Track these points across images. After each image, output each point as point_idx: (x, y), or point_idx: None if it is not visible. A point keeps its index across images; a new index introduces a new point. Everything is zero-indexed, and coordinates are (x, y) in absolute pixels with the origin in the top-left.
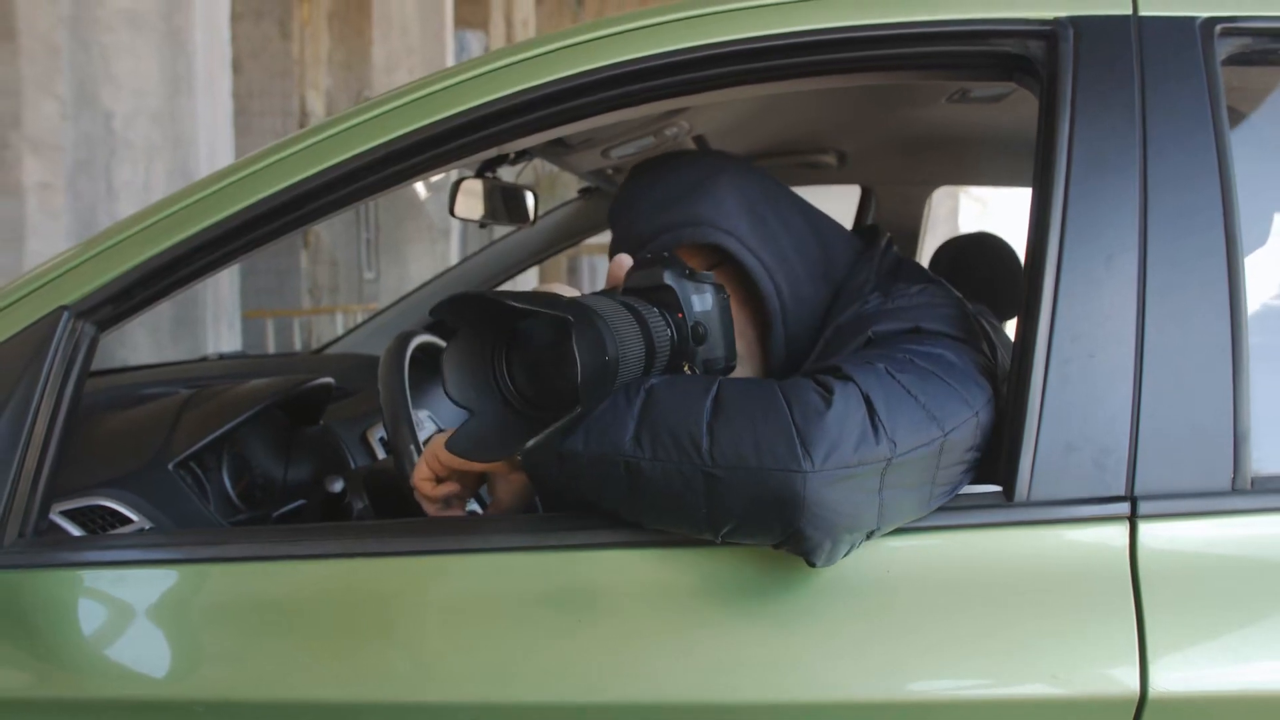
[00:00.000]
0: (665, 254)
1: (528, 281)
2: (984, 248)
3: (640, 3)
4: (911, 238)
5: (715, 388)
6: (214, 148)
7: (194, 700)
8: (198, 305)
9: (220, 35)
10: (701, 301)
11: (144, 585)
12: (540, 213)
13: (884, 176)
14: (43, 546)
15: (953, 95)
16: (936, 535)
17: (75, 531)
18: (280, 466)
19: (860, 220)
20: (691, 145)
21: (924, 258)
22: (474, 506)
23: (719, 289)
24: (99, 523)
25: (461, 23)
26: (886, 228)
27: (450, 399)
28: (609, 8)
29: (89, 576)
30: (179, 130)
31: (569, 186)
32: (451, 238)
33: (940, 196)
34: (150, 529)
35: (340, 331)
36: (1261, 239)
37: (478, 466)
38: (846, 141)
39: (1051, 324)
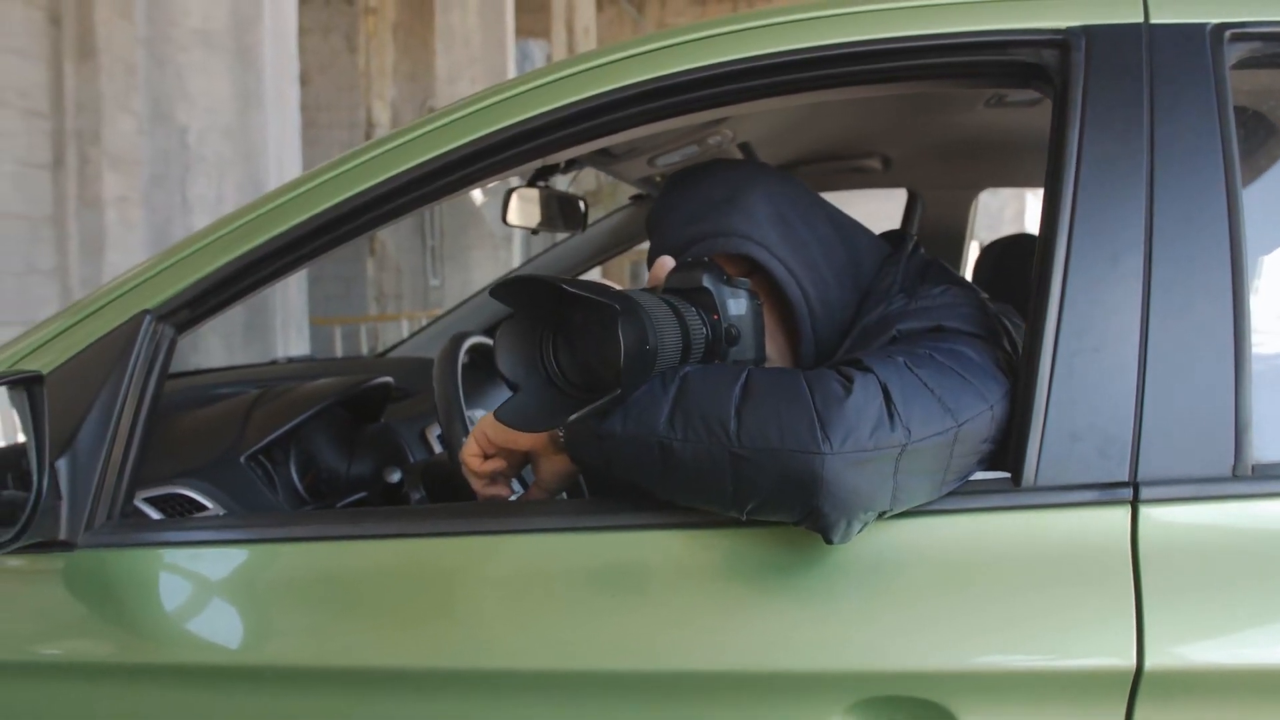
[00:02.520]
0: (705, 259)
1: None
2: (1024, 249)
3: (699, 11)
4: (958, 240)
5: (744, 376)
6: (282, 160)
7: (264, 666)
8: (268, 312)
9: (288, 51)
10: (736, 305)
11: (218, 562)
12: (595, 219)
13: (929, 180)
14: (128, 528)
15: (989, 100)
16: (949, 518)
17: (156, 516)
18: (344, 461)
19: (907, 223)
20: (735, 152)
21: (972, 259)
22: (516, 487)
23: (753, 295)
24: (177, 509)
25: (524, 32)
26: (933, 230)
27: (500, 374)
28: (669, 14)
29: (168, 555)
30: (249, 144)
31: (629, 194)
32: (513, 244)
33: (1008, 198)
34: (224, 514)
35: (406, 337)
36: None
37: (523, 442)
38: (890, 147)
39: (1059, 319)
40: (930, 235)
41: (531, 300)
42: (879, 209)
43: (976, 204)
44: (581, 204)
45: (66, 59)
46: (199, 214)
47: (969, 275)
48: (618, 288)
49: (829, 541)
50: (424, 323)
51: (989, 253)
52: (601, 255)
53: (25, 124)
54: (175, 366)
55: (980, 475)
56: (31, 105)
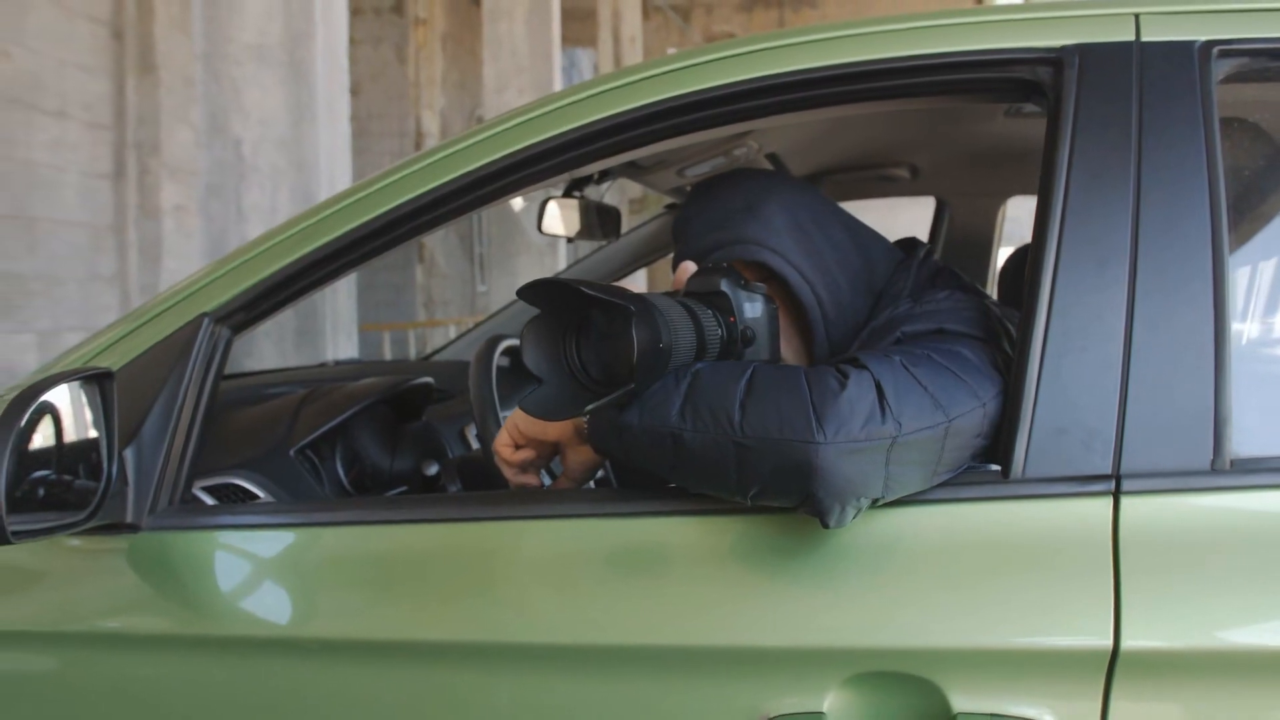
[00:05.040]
0: (724, 265)
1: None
2: None
3: (745, 19)
4: (985, 246)
5: (750, 371)
6: (333, 170)
7: (310, 639)
8: (318, 318)
9: (340, 64)
10: (752, 309)
11: (267, 544)
12: (631, 227)
13: (956, 188)
14: (187, 512)
15: (1008, 110)
16: (941, 507)
17: (212, 504)
18: (387, 457)
19: (935, 231)
20: (762, 163)
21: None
22: (545, 480)
23: (769, 300)
24: (231, 498)
25: (570, 41)
26: (961, 237)
27: (526, 367)
28: (715, 22)
29: (223, 536)
30: (302, 155)
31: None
32: (559, 251)
33: None
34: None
35: (450, 341)
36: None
37: (551, 433)
38: (916, 156)
39: (1048, 320)
40: (959, 242)
41: (555, 301)
42: (918, 217)
43: (1004, 210)
44: (614, 213)
45: (128, 73)
46: (253, 223)
47: (995, 280)
48: (637, 291)
49: (825, 525)
50: (470, 327)
51: (1014, 259)
52: (641, 260)
53: (89, 136)
54: (230, 369)
55: (972, 467)
56: (94, 118)
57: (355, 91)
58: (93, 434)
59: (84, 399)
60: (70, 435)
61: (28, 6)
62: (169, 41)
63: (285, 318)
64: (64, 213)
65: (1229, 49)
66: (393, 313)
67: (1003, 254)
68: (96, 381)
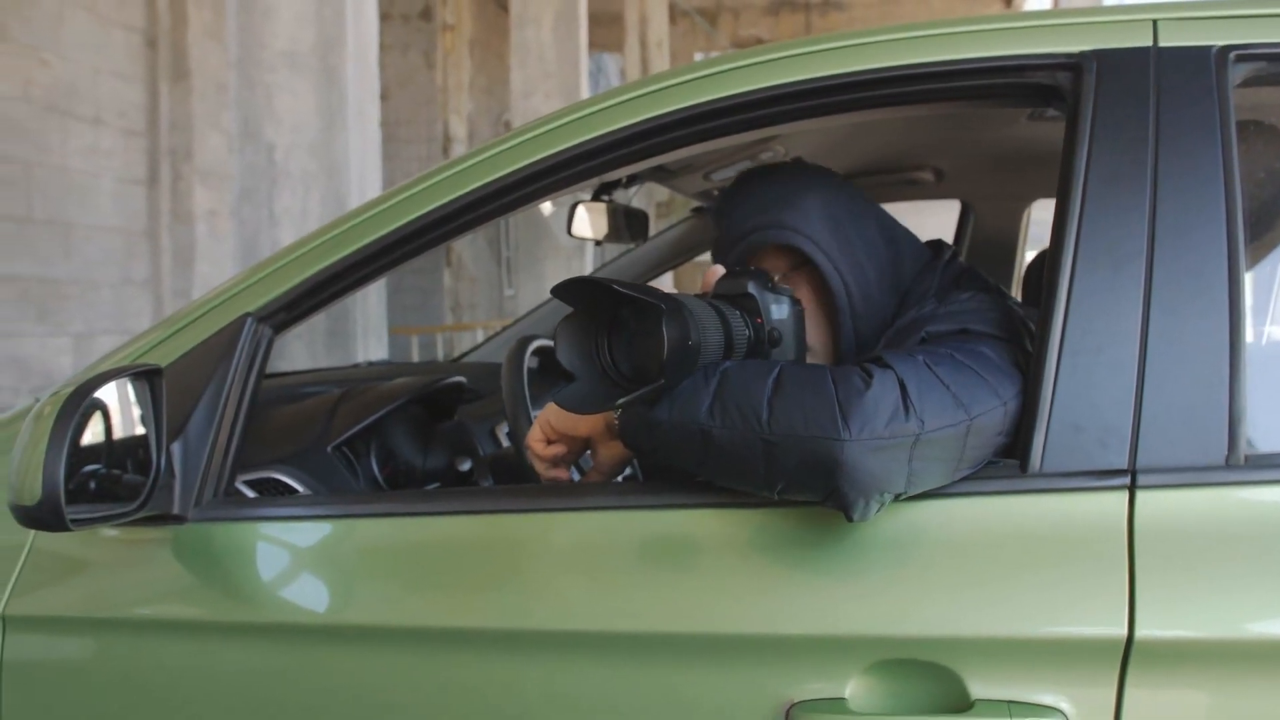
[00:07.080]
0: (751, 268)
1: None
2: None
3: (772, 23)
4: (1010, 248)
5: (777, 370)
6: (363, 175)
7: (347, 626)
8: (349, 320)
9: (370, 70)
10: (779, 310)
11: (306, 535)
12: (658, 230)
13: (980, 191)
14: (231, 504)
15: (1031, 114)
16: (962, 500)
17: (253, 496)
18: (420, 455)
19: (960, 234)
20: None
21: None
22: (574, 476)
23: (795, 302)
24: (271, 492)
25: (597, 45)
26: (986, 240)
27: (559, 363)
28: (742, 26)
29: (265, 528)
30: (333, 160)
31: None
32: (586, 254)
33: None
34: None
35: (479, 343)
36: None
37: (582, 429)
38: (941, 159)
39: (1065, 320)
40: (984, 245)
41: (588, 299)
42: (945, 221)
43: (1029, 213)
44: (643, 217)
45: (162, 80)
46: (285, 227)
47: (1020, 283)
48: (667, 291)
49: (849, 519)
50: (498, 330)
51: (1037, 261)
52: (668, 263)
53: (123, 143)
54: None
55: (990, 462)
56: (129, 125)
57: (384, 97)
58: (141, 430)
59: (133, 395)
60: (119, 431)
61: (64, 16)
62: (202, 49)
63: (316, 320)
64: (98, 218)
65: (1246, 53)
66: (420, 316)
67: (1030, 256)
68: (146, 378)
